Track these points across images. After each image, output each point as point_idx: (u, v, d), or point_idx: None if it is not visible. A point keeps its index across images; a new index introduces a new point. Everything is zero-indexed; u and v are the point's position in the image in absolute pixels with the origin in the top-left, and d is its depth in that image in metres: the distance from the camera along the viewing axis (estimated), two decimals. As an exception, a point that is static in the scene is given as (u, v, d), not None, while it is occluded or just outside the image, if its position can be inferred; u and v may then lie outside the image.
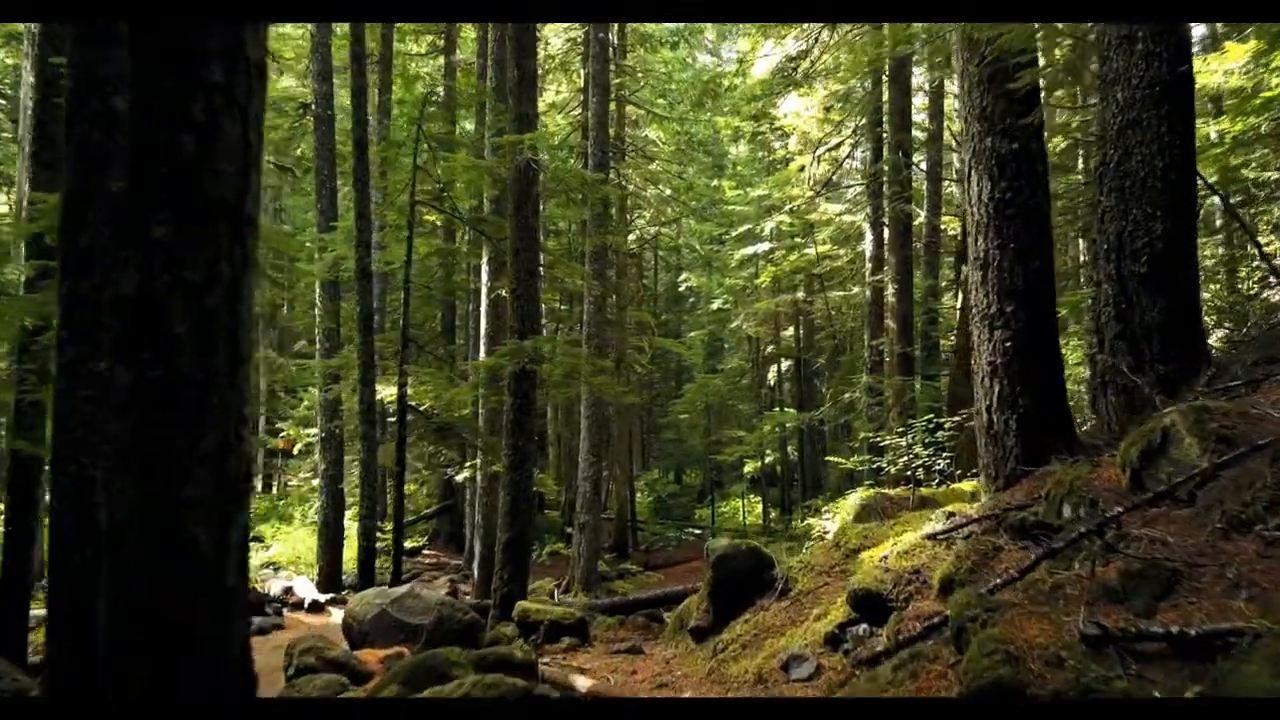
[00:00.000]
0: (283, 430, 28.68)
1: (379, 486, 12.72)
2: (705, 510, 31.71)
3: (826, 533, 12.57)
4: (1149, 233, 6.62)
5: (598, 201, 12.25)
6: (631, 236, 27.47)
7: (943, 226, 20.11)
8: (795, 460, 29.22)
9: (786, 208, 19.95)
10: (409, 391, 11.52)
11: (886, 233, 15.00)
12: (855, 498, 11.06)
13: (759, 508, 29.62)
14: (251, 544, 17.48)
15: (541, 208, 12.29)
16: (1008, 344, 4.79)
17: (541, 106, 23.91)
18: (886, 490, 11.30)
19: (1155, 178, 6.65)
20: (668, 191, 25.79)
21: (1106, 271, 7.01)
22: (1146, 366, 6.70)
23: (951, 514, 4.92)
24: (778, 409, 28.28)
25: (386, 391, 12.20)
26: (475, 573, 13.35)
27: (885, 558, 4.81)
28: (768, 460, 29.58)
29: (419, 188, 11.93)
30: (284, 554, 15.38)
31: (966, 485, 10.75)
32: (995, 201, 4.87)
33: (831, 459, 20.18)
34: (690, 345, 35.62)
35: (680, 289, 35.42)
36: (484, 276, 13.43)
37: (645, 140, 24.56)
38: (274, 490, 29.71)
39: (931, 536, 4.64)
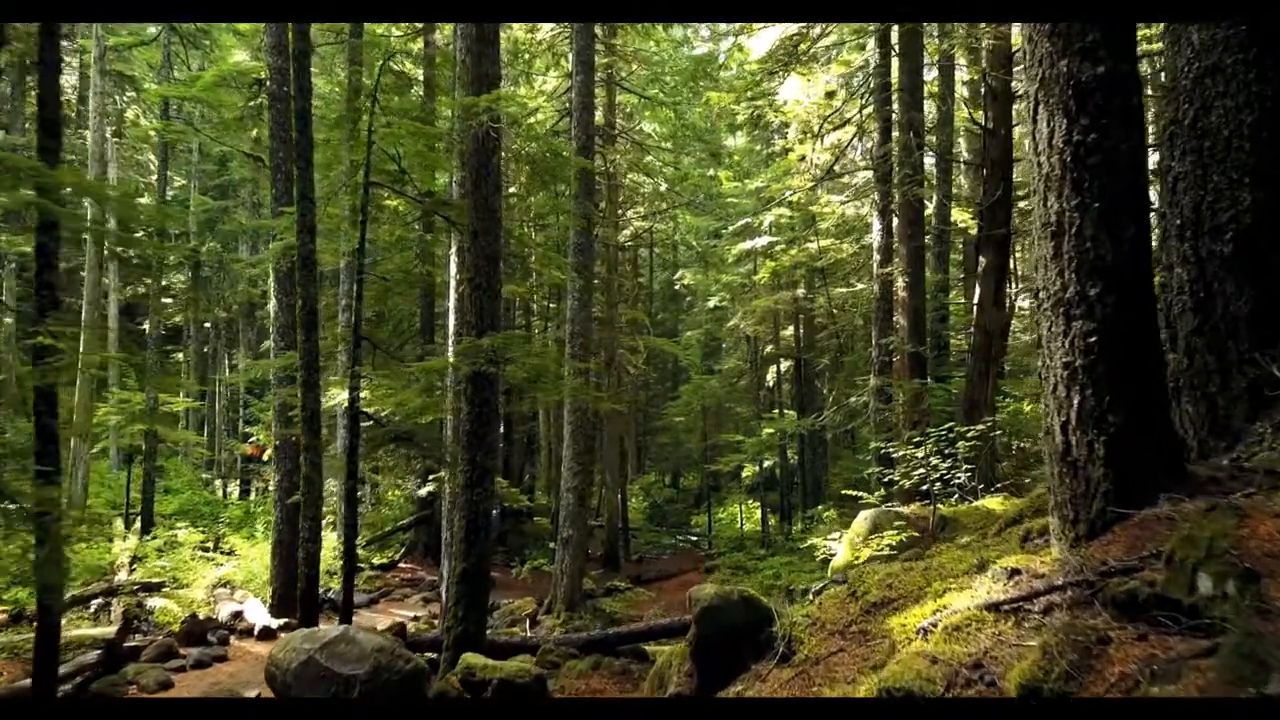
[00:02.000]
0: (253, 436, 27.43)
1: (354, 500, 11.43)
2: (702, 517, 30.43)
3: (832, 553, 11.28)
4: (1234, 204, 5.38)
5: (574, 180, 10.96)
6: (625, 232, 26.21)
7: (953, 220, 18.89)
8: (795, 464, 27.95)
9: (787, 192, 18.65)
10: (364, 395, 10.25)
11: (896, 221, 13.72)
12: (865, 516, 9.77)
13: (757, 514, 28.34)
14: (207, 557, 16.17)
15: (511, 187, 11.01)
16: (1091, 339, 3.52)
17: (531, 94, 22.65)
18: (900, 508, 10.01)
19: (1241, 137, 5.40)
20: (663, 185, 24.52)
21: (1180, 253, 5.75)
22: (1233, 369, 5.45)
23: (1016, 572, 3.64)
24: (777, 411, 27.00)
25: (345, 396, 10.92)
26: (444, 595, 12.06)
27: (926, 631, 3.54)
28: (766, 465, 28.33)
29: (377, 167, 10.65)
30: (241, 571, 14.09)
31: (993, 503, 9.46)
32: (1073, 147, 3.59)
33: (836, 472, 19.00)
34: (686, 345, 34.37)
35: (676, 287, 34.13)
36: (451, 268, 12.17)
37: (640, 133, 23.26)
38: (252, 495, 28.43)
39: (993, 607, 3.36)
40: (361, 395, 10.23)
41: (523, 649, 9.04)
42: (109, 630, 10.88)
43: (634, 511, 30.59)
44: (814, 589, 5.75)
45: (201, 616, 12.47)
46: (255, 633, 12.01)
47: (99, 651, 9.52)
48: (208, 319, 30.65)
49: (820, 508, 24.17)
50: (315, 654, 6.82)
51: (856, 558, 9.49)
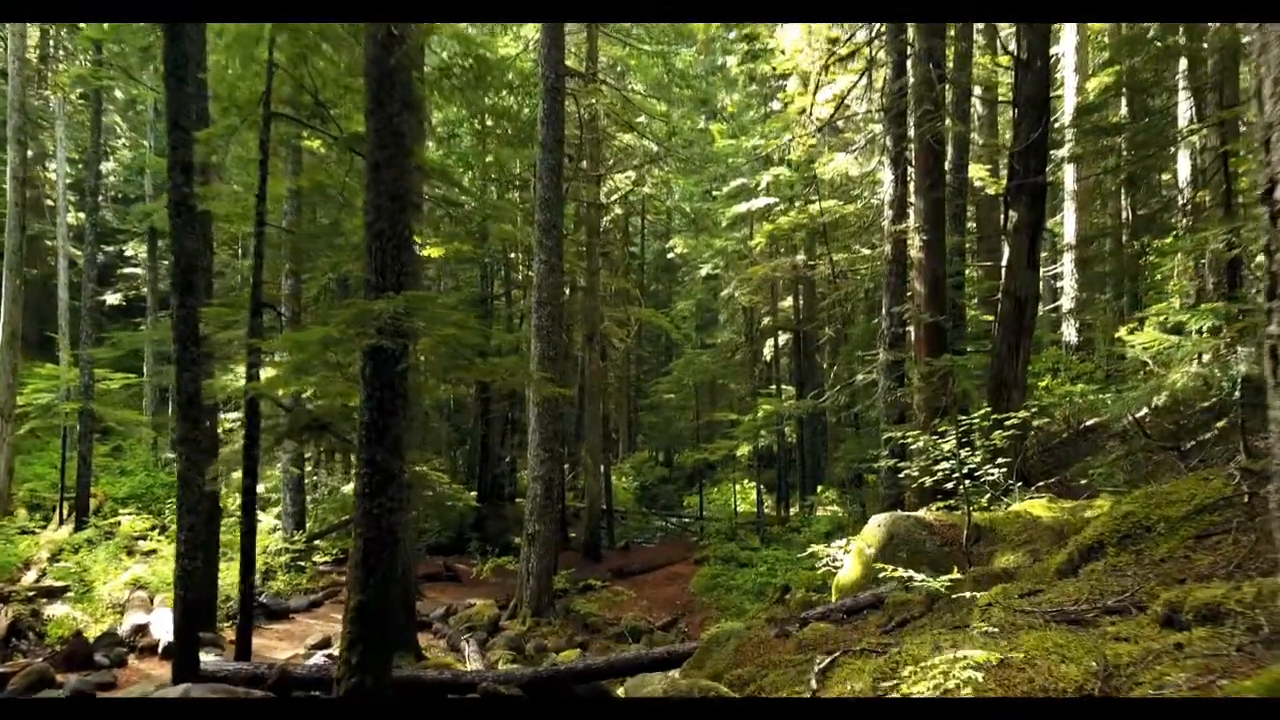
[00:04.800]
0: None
1: (253, 507, 9.61)
2: (695, 498, 28.72)
3: (837, 565, 9.49)
4: None
5: (540, 125, 9.02)
6: (610, 194, 24.23)
7: (969, 178, 16.98)
8: (794, 443, 26.16)
9: (787, 137, 16.70)
10: (268, 376, 8.41)
11: (912, 171, 11.81)
12: (879, 522, 7.97)
13: (753, 494, 26.62)
14: (141, 552, 14.31)
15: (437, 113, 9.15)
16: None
17: (511, 42, 20.59)
18: (920, 514, 8.21)
19: None
20: (651, 144, 22.50)
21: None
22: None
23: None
24: (774, 388, 25.19)
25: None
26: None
27: None
28: (763, 443, 26.55)
29: (287, 98, 8.75)
30: (157, 574, 12.31)
31: (1037, 508, 7.64)
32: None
33: (838, 456, 17.25)
34: (679, 318, 32.46)
35: (670, 256, 32.19)
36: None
37: (627, 89, 21.15)
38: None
39: None
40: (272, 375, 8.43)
41: (454, 688, 7.29)
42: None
43: (623, 492, 28.88)
44: (817, 668, 3.94)
45: (101, 630, 10.72)
46: (160, 650, 10.23)
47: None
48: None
49: (821, 489, 22.46)
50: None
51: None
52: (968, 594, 5.79)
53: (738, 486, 27.22)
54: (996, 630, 3.38)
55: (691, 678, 6.33)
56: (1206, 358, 7.62)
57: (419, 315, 5.80)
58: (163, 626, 10.81)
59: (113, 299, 29.27)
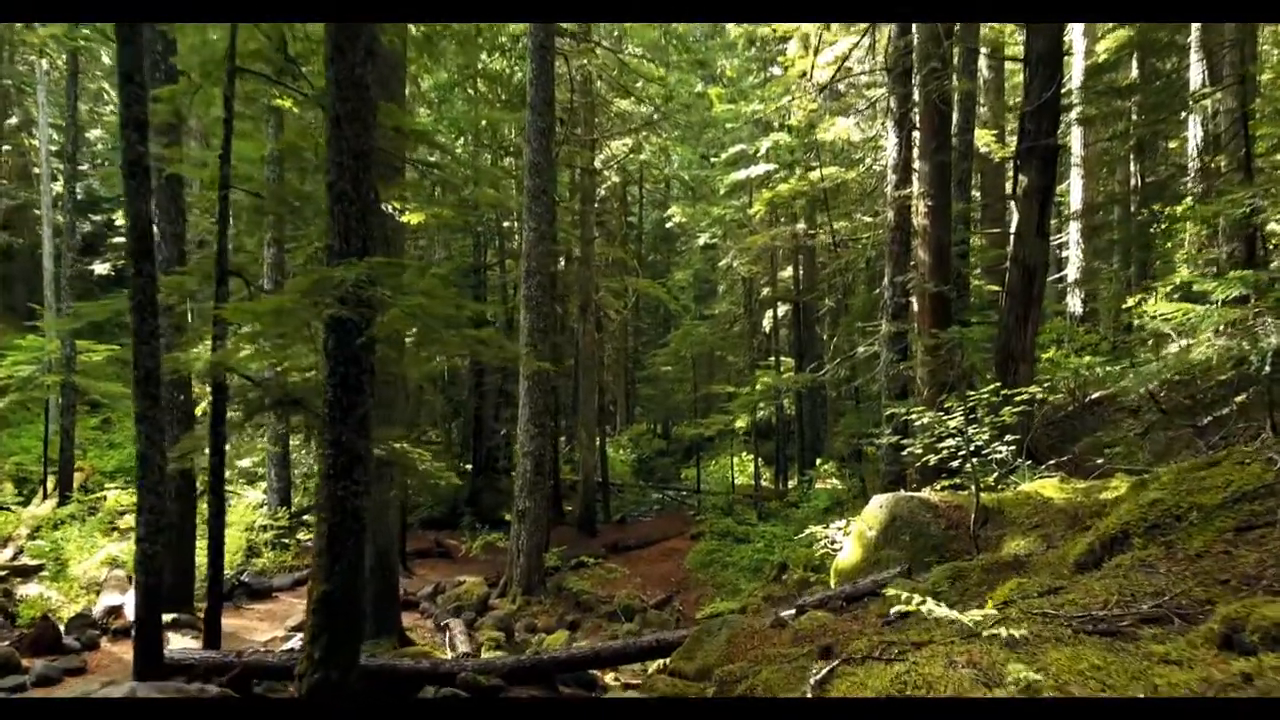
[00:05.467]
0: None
1: (221, 487, 9.21)
2: (692, 470, 28.37)
3: (836, 547, 9.10)
4: None
5: (529, 85, 8.45)
6: (610, 166, 23.62)
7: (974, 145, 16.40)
8: (793, 414, 25.76)
9: (786, 97, 16.12)
10: (245, 351, 7.96)
11: (917, 135, 11.28)
12: (880, 503, 7.57)
13: (751, 466, 26.28)
14: (91, 539, 13.79)
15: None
16: None
17: None
18: (924, 494, 7.80)
19: None
20: (647, 109, 21.85)
21: None
22: None
23: None
24: (773, 359, 24.74)
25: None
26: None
27: None
28: (761, 415, 26.13)
29: (254, 52, 8.20)
30: (131, 551, 11.91)
31: (1048, 488, 7.22)
32: None
33: (838, 430, 16.83)
34: (676, 288, 31.97)
35: (668, 225, 31.59)
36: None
37: (625, 53, 20.46)
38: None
39: None
40: (244, 351, 7.98)
41: (431, 678, 6.92)
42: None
43: (620, 465, 28.54)
44: (813, 679, 3.53)
45: (75, 610, 10.38)
46: (133, 632, 9.87)
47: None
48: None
49: (820, 463, 22.09)
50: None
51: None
52: (977, 586, 5.39)
53: (736, 459, 26.87)
54: (1017, 640, 2.96)
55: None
56: (1230, 329, 7.16)
57: (385, 284, 5.33)
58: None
59: (101, 269, 28.70)
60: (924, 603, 3.28)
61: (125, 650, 9.58)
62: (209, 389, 9.05)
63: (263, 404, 8.04)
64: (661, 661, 7.10)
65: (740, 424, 24.38)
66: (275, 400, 7.86)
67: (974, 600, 5.04)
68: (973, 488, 6.80)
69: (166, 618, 10.40)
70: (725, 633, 6.24)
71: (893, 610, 4.23)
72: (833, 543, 8.80)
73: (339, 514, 5.56)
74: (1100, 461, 7.63)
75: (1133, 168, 19.49)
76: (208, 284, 7.81)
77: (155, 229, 11.16)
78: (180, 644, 9.59)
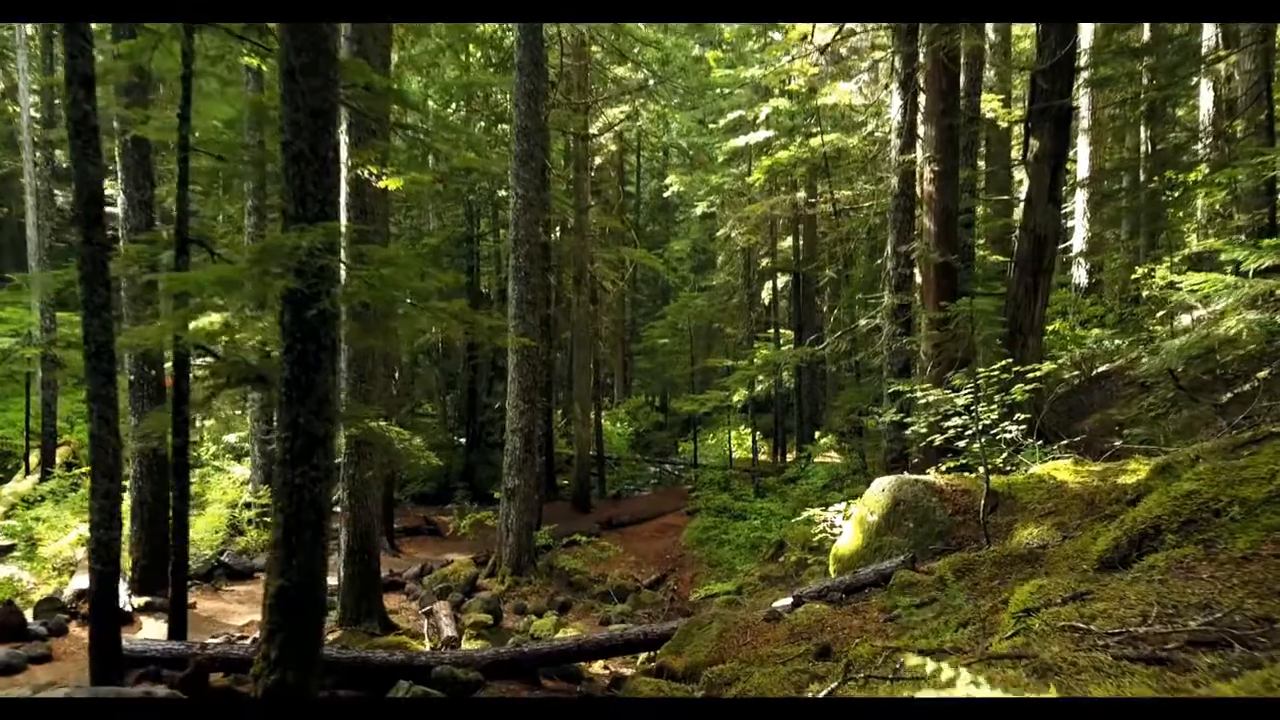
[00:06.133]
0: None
1: (185, 468, 8.80)
2: (690, 444, 28.00)
3: (835, 531, 8.70)
4: None
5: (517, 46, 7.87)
6: (606, 133, 22.98)
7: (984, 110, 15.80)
8: (791, 388, 25.34)
9: (786, 59, 15.53)
10: (211, 322, 7.51)
11: (922, 97, 10.72)
12: (883, 486, 7.14)
13: (749, 440, 25.92)
14: (62, 518, 13.30)
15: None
16: None
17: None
18: (929, 477, 7.37)
19: None
20: (651, 80, 21.20)
21: None
22: None
23: None
24: (772, 331, 24.27)
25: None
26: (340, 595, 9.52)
27: None
28: (760, 388, 25.68)
29: None
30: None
31: (1062, 471, 6.77)
32: None
33: (838, 405, 16.40)
34: (675, 258, 31.43)
35: (666, 195, 30.96)
36: (344, 153, 9.27)
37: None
38: (198, 423, 25.84)
39: None
40: (209, 323, 7.51)
41: (406, 672, 6.54)
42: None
43: (617, 438, 28.15)
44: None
45: (43, 593, 10.00)
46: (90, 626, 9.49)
47: None
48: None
49: (819, 436, 21.68)
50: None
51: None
52: (989, 580, 5.00)
53: (733, 432, 26.49)
54: (1048, 666, 2.53)
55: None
56: (1262, 302, 6.69)
57: (346, 252, 4.86)
58: (111, 590, 10.06)
59: (86, 239, 28.05)
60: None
61: (96, 635, 9.21)
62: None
63: (227, 381, 7.58)
64: (650, 654, 6.72)
65: (738, 398, 23.99)
66: (241, 377, 7.41)
67: (985, 597, 4.63)
68: (981, 470, 6.37)
69: (139, 601, 10.11)
70: (716, 626, 5.85)
71: (888, 562, 3.84)
72: (832, 526, 8.41)
73: (296, 503, 5.13)
74: (1119, 444, 7.19)
75: (1143, 133, 18.89)
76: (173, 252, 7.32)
77: (122, 195, 10.69)
78: (153, 630, 9.22)
